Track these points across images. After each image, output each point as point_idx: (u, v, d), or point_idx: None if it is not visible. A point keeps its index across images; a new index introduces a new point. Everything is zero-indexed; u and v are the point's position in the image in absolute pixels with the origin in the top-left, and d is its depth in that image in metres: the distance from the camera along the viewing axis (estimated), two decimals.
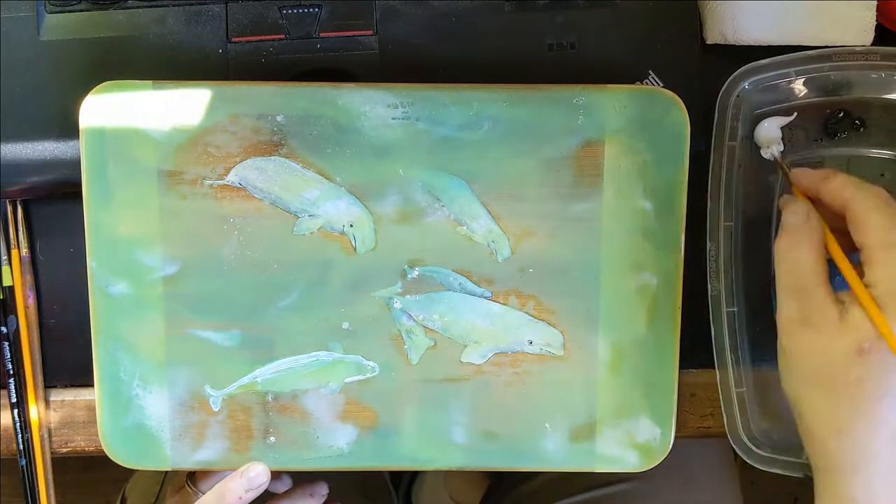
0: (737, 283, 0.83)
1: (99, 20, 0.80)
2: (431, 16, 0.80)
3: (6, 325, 0.84)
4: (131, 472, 1.13)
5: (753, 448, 0.82)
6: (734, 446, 0.82)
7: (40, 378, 0.85)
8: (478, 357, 0.81)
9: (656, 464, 0.83)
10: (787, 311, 0.69)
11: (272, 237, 0.79)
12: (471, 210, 0.80)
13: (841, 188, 0.70)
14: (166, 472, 1.09)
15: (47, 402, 0.86)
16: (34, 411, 0.84)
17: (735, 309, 0.82)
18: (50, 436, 0.86)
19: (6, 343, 0.83)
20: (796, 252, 0.69)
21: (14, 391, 0.84)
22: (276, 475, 0.82)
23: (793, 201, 0.73)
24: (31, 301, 0.84)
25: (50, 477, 0.85)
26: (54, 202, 0.84)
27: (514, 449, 0.82)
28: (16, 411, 0.84)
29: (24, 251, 0.84)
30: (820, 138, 0.84)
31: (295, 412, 0.81)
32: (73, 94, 0.77)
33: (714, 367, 0.82)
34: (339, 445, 0.82)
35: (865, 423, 0.65)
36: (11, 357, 0.84)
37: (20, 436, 0.84)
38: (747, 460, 0.82)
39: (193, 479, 0.85)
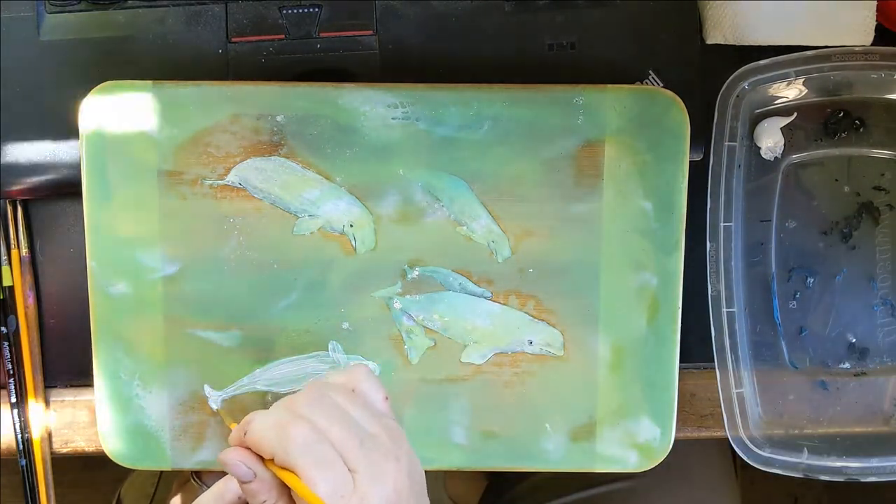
0: (737, 283, 0.83)
1: (99, 20, 0.80)
2: (431, 16, 0.80)
3: (6, 325, 0.83)
4: (131, 471, 1.13)
5: (753, 448, 0.82)
6: (734, 446, 0.82)
7: (40, 378, 0.85)
8: (478, 357, 0.81)
9: (656, 464, 0.83)
10: None
11: (272, 237, 0.79)
12: (471, 210, 0.80)
13: (260, 438, 0.66)
14: (161, 473, 1.09)
15: (47, 402, 0.86)
16: (35, 410, 0.84)
17: (735, 309, 0.82)
18: (50, 436, 0.86)
19: (6, 343, 0.83)
20: None
21: (14, 391, 0.84)
22: None
23: (230, 460, 0.67)
24: (31, 301, 0.84)
25: (50, 477, 0.85)
26: (54, 202, 0.84)
27: (514, 449, 0.82)
28: (16, 411, 0.84)
29: (24, 251, 0.84)
30: (820, 138, 0.84)
31: None
32: (73, 94, 0.78)
33: (714, 368, 0.82)
34: None
35: None
36: (12, 357, 0.83)
37: (20, 436, 0.84)
38: (747, 460, 0.82)
39: (199, 472, 0.85)
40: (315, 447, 0.64)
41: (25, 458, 0.85)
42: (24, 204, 0.84)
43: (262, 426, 0.66)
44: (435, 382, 0.81)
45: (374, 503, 0.65)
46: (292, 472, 0.64)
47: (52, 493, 0.86)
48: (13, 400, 0.84)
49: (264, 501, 0.66)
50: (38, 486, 0.85)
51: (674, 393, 0.82)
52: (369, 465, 0.66)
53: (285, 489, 0.67)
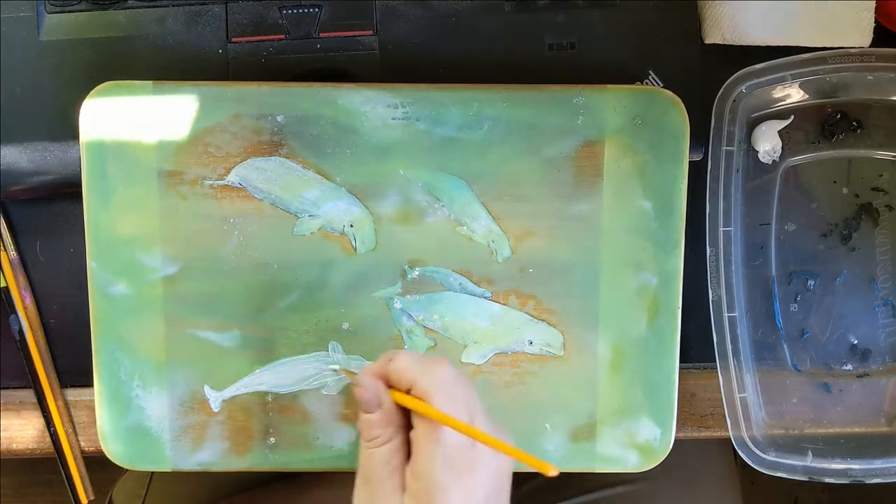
0: (737, 287, 0.83)
1: (99, 20, 0.80)
2: (431, 16, 0.80)
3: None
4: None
5: (758, 452, 0.82)
6: (739, 451, 0.82)
7: (54, 376, 0.85)
8: (478, 357, 0.81)
9: (657, 464, 0.83)
10: (358, 499, 0.70)
11: (272, 237, 0.79)
12: (471, 210, 0.80)
13: (405, 368, 0.68)
14: (152, 475, 1.08)
15: (65, 400, 0.86)
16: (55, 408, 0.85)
17: (736, 313, 0.82)
18: (75, 430, 0.86)
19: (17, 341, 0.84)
20: (371, 443, 0.69)
21: (34, 391, 0.84)
22: None
23: (364, 382, 0.69)
24: (29, 301, 0.84)
25: (84, 471, 0.86)
26: (54, 202, 0.84)
27: None
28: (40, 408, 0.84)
29: (13, 253, 0.83)
30: (818, 140, 0.84)
31: (295, 413, 0.81)
32: (73, 94, 0.78)
33: (713, 367, 0.82)
34: (339, 446, 0.82)
35: None
36: (21, 349, 0.84)
37: (49, 429, 0.85)
38: (752, 464, 0.82)
39: None
40: (454, 388, 0.67)
41: (57, 454, 0.85)
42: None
43: (409, 357, 0.69)
44: None
45: (488, 468, 0.69)
46: (426, 401, 0.66)
47: (87, 484, 0.86)
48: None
49: (377, 437, 0.68)
50: (73, 480, 0.85)
51: (674, 393, 0.81)
52: (489, 431, 0.68)
53: (400, 432, 0.69)
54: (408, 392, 0.68)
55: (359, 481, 0.69)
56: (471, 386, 0.69)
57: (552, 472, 0.63)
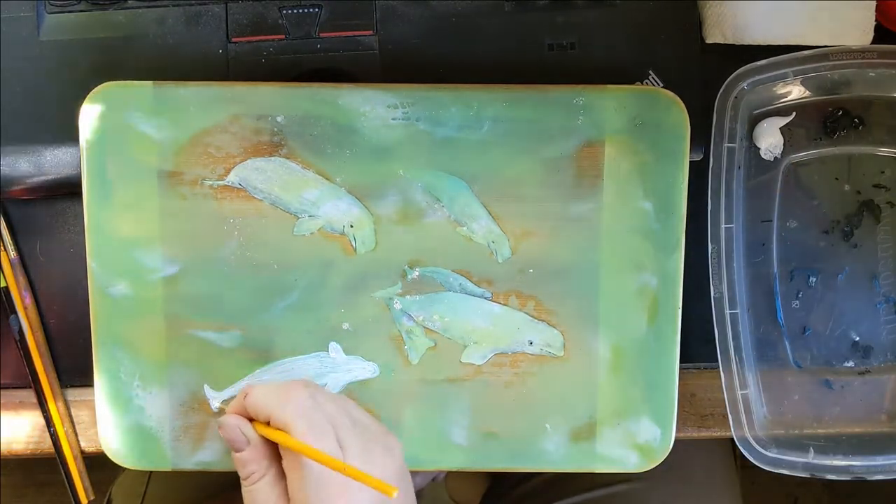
0: (739, 284, 0.83)
1: (99, 20, 0.80)
2: (431, 16, 0.80)
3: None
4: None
5: (759, 449, 0.82)
6: (740, 447, 0.82)
7: (54, 376, 0.85)
8: (478, 357, 0.81)
9: (657, 464, 0.82)
10: None
11: (272, 238, 0.79)
12: (471, 210, 0.79)
13: (260, 400, 0.70)
14: (150, 473, 1.08)
15: (65, 401, 0.86)
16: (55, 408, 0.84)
17: (738, 310, 0.82)
18: (75, 431, 0.86)
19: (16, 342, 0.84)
20: (249, 480, 0.70)
21: (35, 391, 0.84)
22: None
23: (226, 422, 0.72)
24: (28, 301, 0.84)
25: (84, 472, 0.86)
26: (54, 202, 0.84)
27: (515, 449, 0.82)
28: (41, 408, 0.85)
29: (13, 254, 0.84)
30: (819, 137, 0.84)
31: None
32: (73, 94, 0.78)
33: (713, 368, 0.82)
34: None
35: None
36: (21, 350, 0.84)
37: (50, 430, 0.85)
38: (754, 461, 0.82)
39: None
40: (311, 413, 0.68)
41: (57, 454, 0.85)
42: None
43: (263, 389, 0.71)
44: (435, 383, 0.81)
45: (364, 487, 0.67)
46: (286, 431, 0.68)
47: (87, 484, 0.86)
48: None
49: (253, 472, 0.70)
50: (73, 480, 0.86)
51: (674, 393, 0.81)
52: (359, 447, 0.69)
53: (274, 462, 0.70)
54: (268, 424, 0.70)
55: None
56: (338, 401, 0.71)
57: (395, 494, 0.64)
